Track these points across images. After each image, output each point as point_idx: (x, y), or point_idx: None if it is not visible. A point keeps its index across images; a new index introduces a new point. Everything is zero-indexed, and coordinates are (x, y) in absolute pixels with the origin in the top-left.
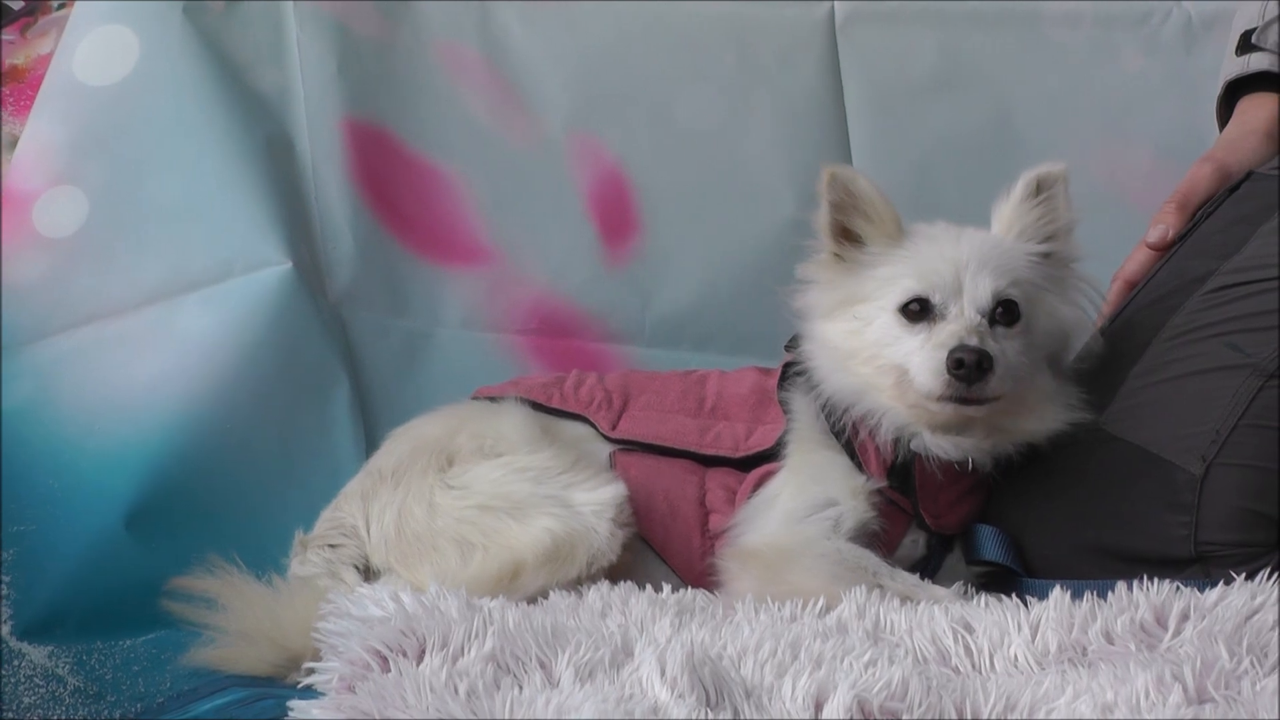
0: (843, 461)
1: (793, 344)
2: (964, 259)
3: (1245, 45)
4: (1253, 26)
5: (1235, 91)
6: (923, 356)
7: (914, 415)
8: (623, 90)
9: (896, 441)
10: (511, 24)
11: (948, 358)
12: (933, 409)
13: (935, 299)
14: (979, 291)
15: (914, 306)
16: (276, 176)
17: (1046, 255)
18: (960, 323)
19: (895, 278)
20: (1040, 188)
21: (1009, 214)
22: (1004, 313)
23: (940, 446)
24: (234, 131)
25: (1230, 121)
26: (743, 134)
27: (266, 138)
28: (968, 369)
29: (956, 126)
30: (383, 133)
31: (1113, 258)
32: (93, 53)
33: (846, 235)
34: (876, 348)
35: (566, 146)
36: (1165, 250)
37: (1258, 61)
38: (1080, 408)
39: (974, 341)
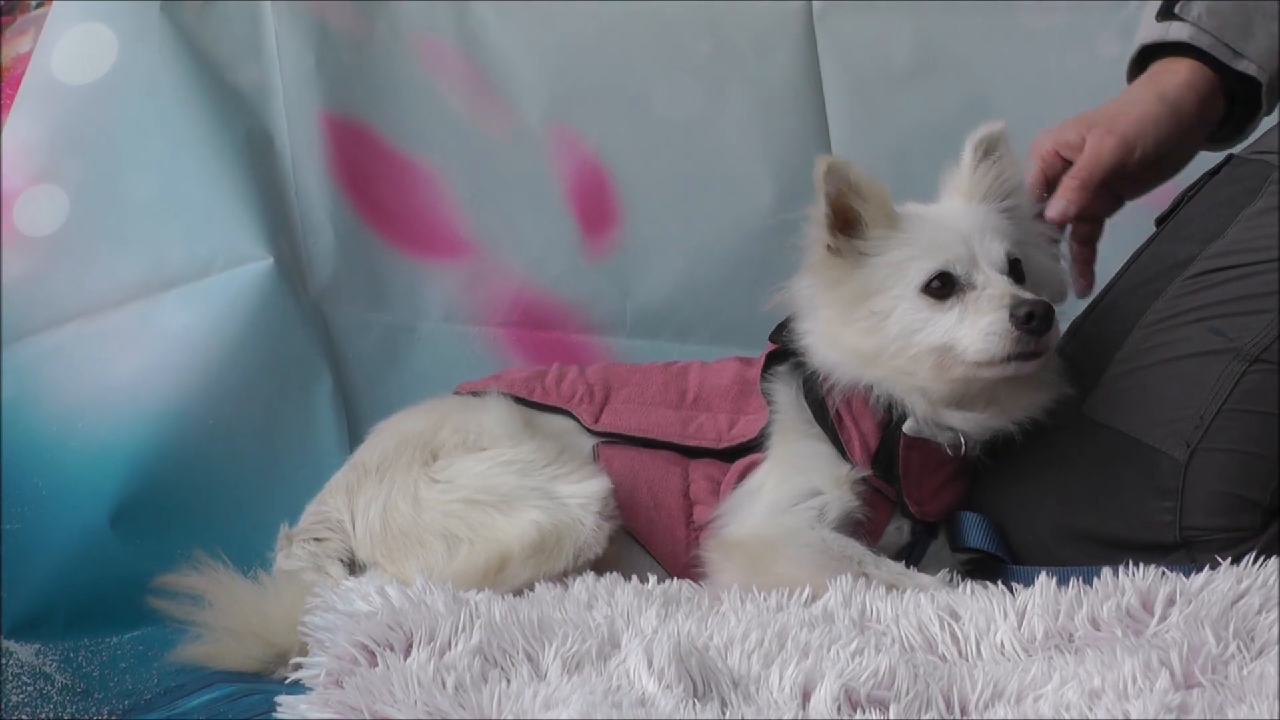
0: (826, 450)
1: (777, 334)
2: (966, 228)
3: (1167, 12)
4: None
5: (1148, 55)
6: (975, 324)
7: (949, 390)
8: (600, 81)
9: (882, 427)
10: (488, 17)
11: (1012, 315)
12: (986, 375)
13: (958, 270)
14: (993, 255)
15: (935, 284)
16: (256, 172)
17: (1010, 210)
18: (999, 284)
19: (906, 260)
20: (988, 150)
21: (966, 182)
22: (1013, 272)
23: (954, 424)
24: (213, 128)
25: (1138, 83)
26: (721, 123)
27: (246, 133)
28: (1039, 320)
29: (934, 113)
30: (361, 127)
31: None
32: (71, 51)
33: (843, 227)
34: (906, 336)
35: (544, 138)
36: (1063, 225)
37: (1177, 31)
38: (1069, 379)
39: (1029, 295)
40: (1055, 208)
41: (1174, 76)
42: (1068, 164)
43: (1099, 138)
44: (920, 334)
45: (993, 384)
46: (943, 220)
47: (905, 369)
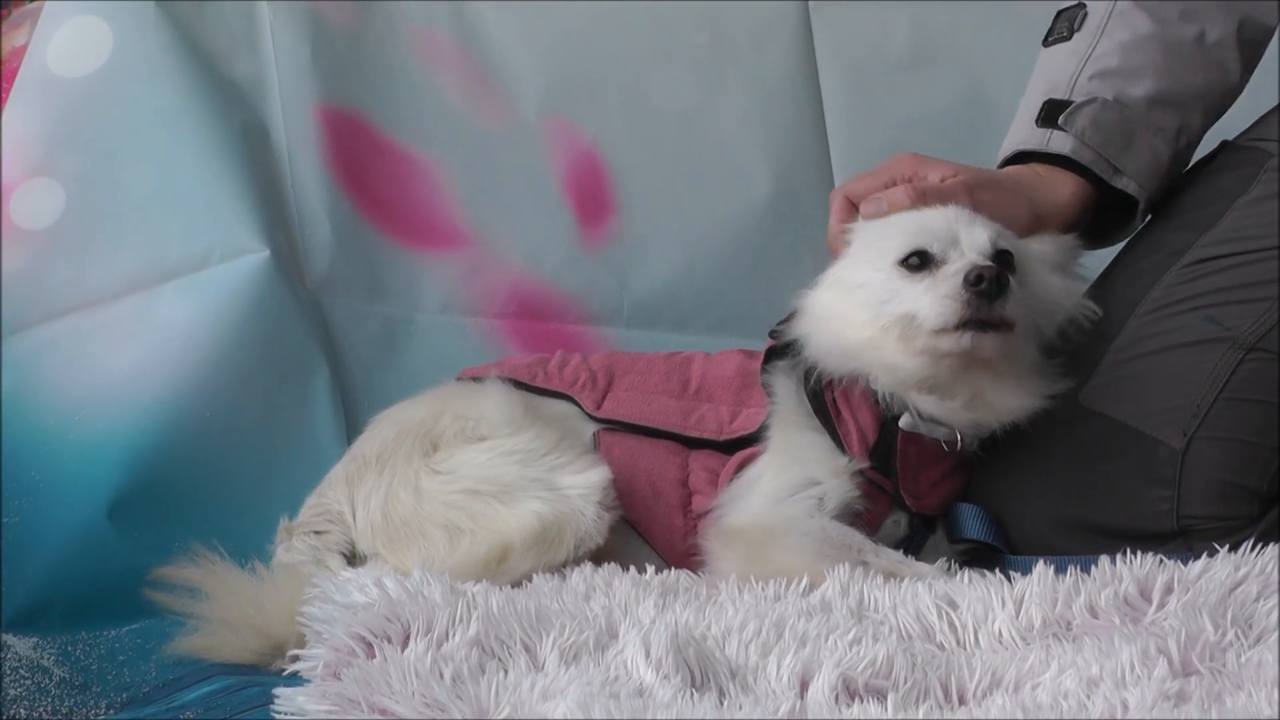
0: (824, 443)
1: (776, 331)
2: (954, 215)
3: (1049, 119)
4: (1059, 97)
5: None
6: (934, 292)
7: (916, 367)
8: (596, 73)
9: (880, 420)
10: (484, 9)
11: (965, 276)
12: (944, 347)
13: (934, 249)
14: (976, 238)
15: (914, 260)
16: (252, 165)
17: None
18: (968, 258)
19: (889, 237)
20: (1073, 254)
21: (1038, 239)
22: (1001, 261)
23: (926, 411)
24: (209, 121)
25: (1018, 175)
26: (717, 114)
27: (242, 126)
28: (988, 282)
29: (931, 103)
30: (358, 119)
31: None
32: (67, 45)
33: None
34: (879, 305)
35: (541, 130)
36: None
37: (1058, 143)
38: (1060, 381)
39: (988, 264)
40: (871, 206)
41: (1054, 194)
42: None
43: (956, 189)
44: (889, 304)
45: (965, 370)
46: (927, 211)
47: (876, 342)
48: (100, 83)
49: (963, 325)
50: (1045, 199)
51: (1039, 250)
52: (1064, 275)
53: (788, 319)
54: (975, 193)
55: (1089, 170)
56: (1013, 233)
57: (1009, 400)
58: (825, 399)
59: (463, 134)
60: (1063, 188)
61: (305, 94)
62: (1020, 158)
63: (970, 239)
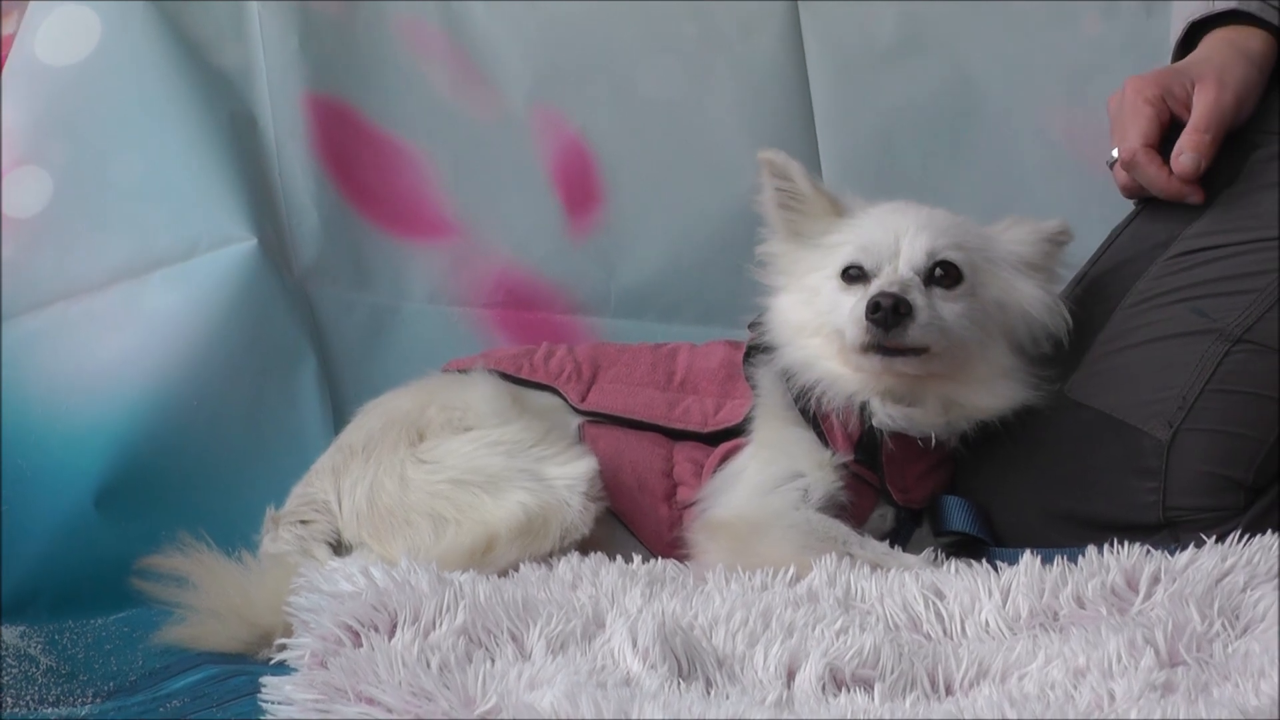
0: (809, 437)
1: (755, 324)
2: (904, 225)
3: None
4: None
5: (1194, 33)
6: (849, 310)
7: (860, 381)
8: (584, 62)
9: (861, 415)
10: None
11: (867, 304)
12: (862, 364)
13: (869, 264)
14: (914, 250)
15: (853, 272)
16: (240, 154)
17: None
18: (886, 277)
19: (839, 245)
20: (1059, 242)
21: (1020, 232)
22: (944, 275)
23: (894, 419)
24: (197, 109)
25: (1215, 48)
26: (705, 104)
27: (229, 115)
28: (884, 312)
29: (919, 93)
30: (345, 108)
31: (1073, 221)
32: (54, 33)
33: (793, 214)
34: (823, 316)
35: (529, 119)
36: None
37: (1223, 3)
38: (1038, 386)
39: (894, 289)
40: (1187, 161)
41: (1255, 41)
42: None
43: (1215, 91)
44: (830, 315)
45: (919, 381)
46: (886, 215)
47: (824, 351)
48: (88, 71)
49: (867, 349)
50: (1254, 50)
51: (1011, 251)
52: (1043, 275)
53: (762, 315)
54: (1226, 92)
55: (1261, 21)
56: (976, 231)
57: (978, 400)
58: (809, 400)
59: (450, 123)
60: (1255, 34)
61: (293, 83)
62: (1191, 38)
63: (908, 251)
